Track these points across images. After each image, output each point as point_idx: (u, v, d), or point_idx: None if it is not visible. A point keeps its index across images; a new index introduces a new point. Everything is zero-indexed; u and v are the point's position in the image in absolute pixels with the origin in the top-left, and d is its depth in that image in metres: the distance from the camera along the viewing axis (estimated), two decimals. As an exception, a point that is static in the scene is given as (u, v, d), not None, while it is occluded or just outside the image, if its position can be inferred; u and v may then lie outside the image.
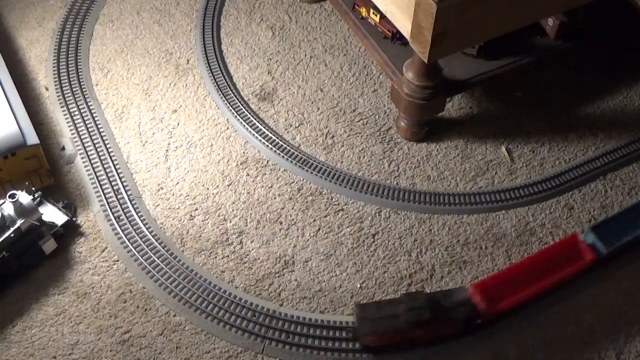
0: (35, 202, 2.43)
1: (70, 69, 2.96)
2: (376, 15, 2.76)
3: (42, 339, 2.31)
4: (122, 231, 2.52)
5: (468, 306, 2.28)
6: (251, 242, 2.53)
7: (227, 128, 2.82)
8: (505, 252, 2.51)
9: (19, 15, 3.18)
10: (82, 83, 2.92)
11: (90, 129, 2.78)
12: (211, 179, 2.68)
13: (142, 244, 2.50)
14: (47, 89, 2.92)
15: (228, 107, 2.86)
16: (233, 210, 2.60)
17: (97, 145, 2.74)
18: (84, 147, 2.73)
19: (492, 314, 2.30)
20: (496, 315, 2.32)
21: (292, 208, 2.61)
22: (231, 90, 2.91)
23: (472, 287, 2.31)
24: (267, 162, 2.73)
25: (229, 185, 2.66)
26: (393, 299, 2.31)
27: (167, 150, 2.75)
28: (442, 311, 2.25)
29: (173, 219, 2.57)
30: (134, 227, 2.53)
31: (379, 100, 2.90)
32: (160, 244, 2.50)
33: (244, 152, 2.75)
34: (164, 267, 2.45)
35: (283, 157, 2.73)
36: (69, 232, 2.51)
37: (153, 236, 2.51)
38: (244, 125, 2.81)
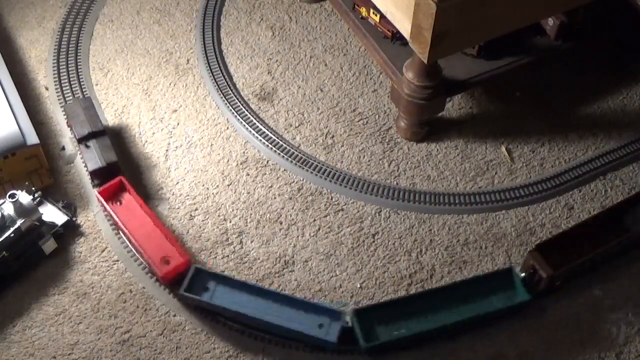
0: (35, 202, 2.43)
1: (70, 69, 2.96)
2: (376, 15, 2.76)
3: (42, 338, 2.31)
4: (122, 231, 2.52)
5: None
6: (251, 242, 2.53)
7: (227, 128, 2.82)
8: (505, 252, 2.51)
9: (19, 15, 3.18)
10: (82, 83, 2.92)
11: (90, 129, 2.78)
12: (211, 179, 2.68)
13: (142, 243, 2.50)
14: (47, 88, 2.92)
15: (228, 107, 2.86)
16: (233, 210, 2.60)
17: (97, 145, 2.74)
18: (84, 147, 2.73)
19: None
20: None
21: (292, 208, 2.61)
22: (231, 90, 2.91)
23: None
24: (267, 162, 2.73)
25: (229, 185, 2.66)
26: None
27: (167, 150, 2.75)
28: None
29: (173, 219, 2.57)
30: (134, 227, 2.54)
31: (379, 100, 2.90)
32: (160, 243, 2.50)
33: (244, 152, 2.75)
34: (164, 267, 2.45)
35: (283, 157, 2.73)
36: (69, 232, 2.51)
37: (153, 236, 2.52)
38: (244, 125, 2.81)
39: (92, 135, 2.61)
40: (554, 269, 2.32)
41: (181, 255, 2.38)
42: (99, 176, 2.56)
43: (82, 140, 2.61)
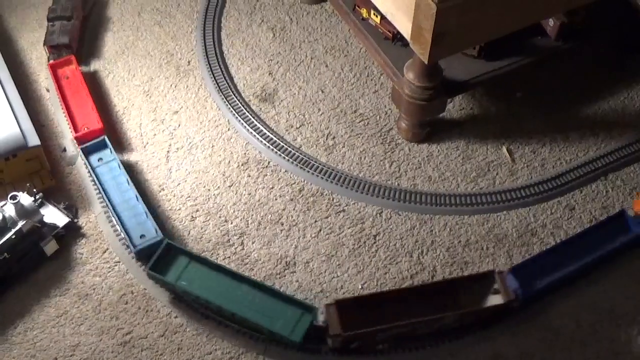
0: (36, 204, 2.43)
1: (71, 70, 2.97)
2: (377, 16, 2.76)
3: (43, 340, 2.31)
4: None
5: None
6: (252, 243, 2.53)
7: (228, 129, 2.82)
8: (506, 253, 2.51)
9: (20, 17, 3.18)
10: (83, 84, 2.93)
11: (91, 131, 2.79)
12: (212, 180, 2.68)
13: (143, 245, 2.51)
14: (48, 90, 2.92)
15: (229, 108, 2.86)
16: (234, 212, 2.60)
17: (98, 147, 2.75)
18: (85, 149, 2.74)
19: None
20: None
21: (294, 209, 2.61)
22: (232, 92, 2.91)
23: None
24: (268, 163, 2.73)
25: (230, 187, 2.66)
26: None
27: (168, 152, 2.75)
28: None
29: (174, 221, 2.57)
30: (135, 228, 2.55)
31: (379, 101, 2.90)
32: (161, 245, 2.50)
33: (245, 153, 2.75)
34: (165, 268, 2.46)
35: (284, 158, 2.73)
36: (70, 234, 2.52)
37: (154, 237, 2.52)
38: (245, 127, 2.81)
39: (59, 18, 2.95)
40: (346, 329, 2.18)
41: (97, 123, 2.69)
42: (55, 52, 2.92)
43: (50, 20, 2.95)
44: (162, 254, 2.37)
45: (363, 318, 2.22)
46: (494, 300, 2.28)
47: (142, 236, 2.44)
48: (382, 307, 2.27)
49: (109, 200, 2.53)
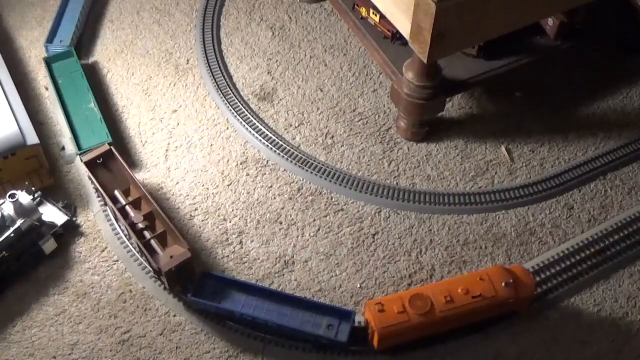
0: (35, 202, 2.43)
1: (70, 68, 2.97)
2: (376, 15, 2.76)
3: (42, 338, 2.31)
4: (122, 231, 2.52)
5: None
6: (251, 241, 2.53)
7: (227, 128, 2.82)
8: (505, 252, 2.51)
9: (19, 15, 3.18)
10: (82, 83, 2.93)
11: (90, 129, 2.79)
12: (211, 179, 2.68)
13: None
14: (47, 88, 2.92)
15: (228, 107, 2.86)
16: (233, 210, 2.60)
17: (97, 145, 2.74)
18: (84, 147, 2.74)
19: None
20: None
21: (292, 208, 2.61)
22: (231, 90, 2.91)
23: None
24: (267, 162, 2.73)
25: (228, 185, 2.66)
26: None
27: (166, 150, 2.75)
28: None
29: (173, 219, 2.57)
30: (134, 227, 2.55)
31: (378, 100, 2.90)
32: (160, 243, 2.50)
33: (243, 152, 2.75)
34: (164, 267, 2.45)
35: (283, 157, 2.73)
36: (69, 232, 2.52)
37: (153, 236, 2.52)
38: (244, 125, 2.81)
39: None
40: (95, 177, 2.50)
41: None
42: None
43: None
44: (63, 54, 2.93)
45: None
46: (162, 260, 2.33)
47: (61, 41, 3.01)
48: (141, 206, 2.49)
49: (58, 18, 3.07)
